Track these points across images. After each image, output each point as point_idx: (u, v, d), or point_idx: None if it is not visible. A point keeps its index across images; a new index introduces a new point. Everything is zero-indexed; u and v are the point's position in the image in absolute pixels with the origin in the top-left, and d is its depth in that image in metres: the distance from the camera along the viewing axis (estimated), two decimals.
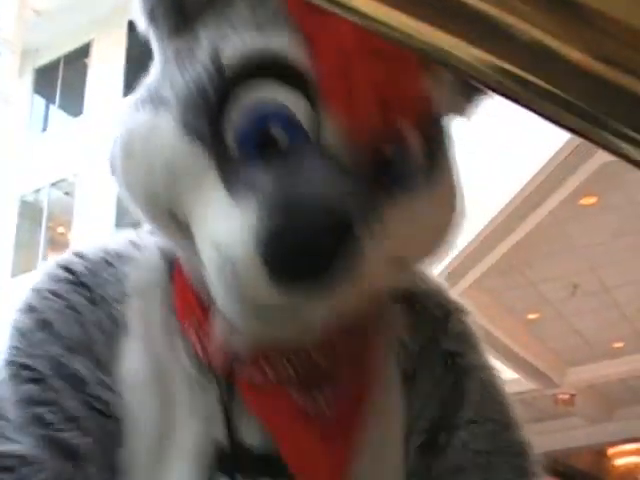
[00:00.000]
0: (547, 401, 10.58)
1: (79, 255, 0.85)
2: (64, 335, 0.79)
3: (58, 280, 0.83)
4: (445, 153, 0.79)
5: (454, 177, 0.81)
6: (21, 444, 0.74)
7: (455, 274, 6.80)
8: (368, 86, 0.67)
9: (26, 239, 18.54)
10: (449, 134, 0.81)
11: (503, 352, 8.62)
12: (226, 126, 0.68)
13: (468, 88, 0.80)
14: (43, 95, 20.42)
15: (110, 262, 0.84)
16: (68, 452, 0.75)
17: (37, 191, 18.51)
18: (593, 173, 5.25)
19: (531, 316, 8.29)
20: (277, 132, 0.68)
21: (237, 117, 0.68)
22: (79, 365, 0.78)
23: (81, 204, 17.69)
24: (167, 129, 0.70)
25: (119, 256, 0.85)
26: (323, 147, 0.67)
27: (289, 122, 0.68)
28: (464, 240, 6.29)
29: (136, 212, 0.78)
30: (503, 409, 0.90)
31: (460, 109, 0.83)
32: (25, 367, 0.77)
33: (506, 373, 9.39)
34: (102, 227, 16.49)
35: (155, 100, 0.73)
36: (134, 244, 0.87)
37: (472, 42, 0.35)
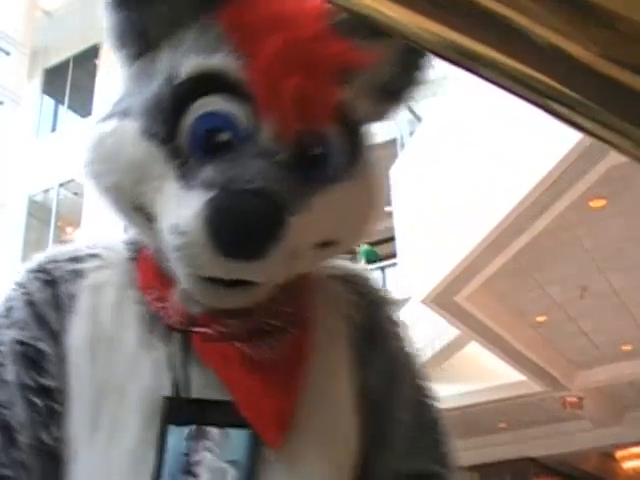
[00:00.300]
0: (555, 404, 10.55)
1: (52, 250, 1.03)
2: (18, 318, 0.95)
3: (27, 272, 0.99)
4: (365, 154, 0.94)
5: (374, 175, 0.95)
6: None
7: (463, 277, 6.80)
8: (293, 95, 0.82)
9: (35, 238, 18.58)
10: (369, 137, 0.96)
11: (511, 354, 8.61)
12: (180, 131, 0.84)
13: (385, 98, 0.97)
14: (52, 96, 20.47)
15: (72, 250, 1.01)
16: (6, 428, 0.91)
17: (46, 191, 18.56)
18: (602, 176, 5.23)
19: (539, 319, 8.26)
20: (221, 134, 0.84)
21: (189, 123, 0.84)
22: (30, 340, 0.93)
23: (89, 204, 17.71)
24: (131, 134, 0.86)
25: (86, 246, 1.02)
26: (259, 145, 0.83)
27: (231, 125, 0.84)
28: (472, 242, 6.28)
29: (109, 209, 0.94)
30: (424, 388, 1.08)
31: (378, 116, 0.99)
32: None
33: (514, 375, 9.37)
34: (110, 227, 16.53)
35: (121, 112, 0.89)
36: (104, 238, 1.05)
37: (481, 40, 0.34)
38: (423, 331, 8.74)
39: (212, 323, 0.91)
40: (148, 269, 0.97)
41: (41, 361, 0.93)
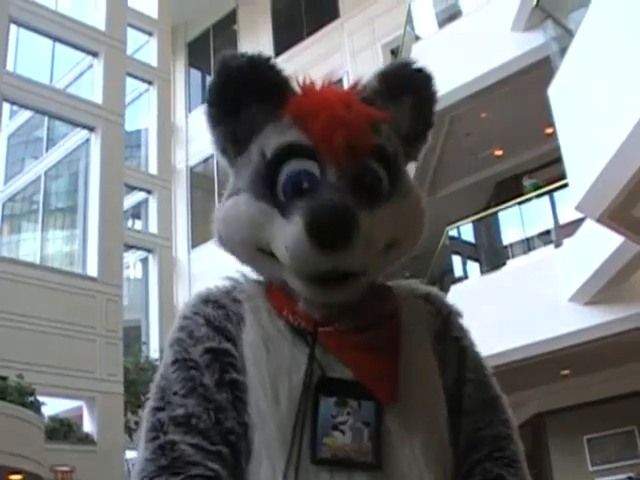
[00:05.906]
0: None
1: (210, 288, 1.41)
2: (201, 334, 1.31)
3: (193, 305, 1.37)
4: (403, 177, 1.38)
5: (414, 191, 1.40)
6: (186, 407, 1.25)
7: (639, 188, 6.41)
8: (345, 148, 1.25)
9: (201, 209, 19.23)
10: (404, 167, 1.41)
11: None
12: (277, 188, 1.27)
13: (409, 143, 1.43)
14: (198, 68, 20.97)
15: (229, 287, 1.41)
16: (218, 408, 1.25)
17: (205, 161, 19.12)
18: None
19: None
20: (303, 183, 1.26)
21: (281, 182, 1.27)
22: (216, 346, 1.29)
23: None
24: (244, 200, 1.31)
25: (233, 286, 1.41)
26: (329, 185, 1.25)
27: (307, 177, 1.26)
28: None
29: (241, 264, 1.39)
30: (485, 371, 1.44)
31: (408, 157, 1.46)
32: (187, 360, 1.29)
33: None
34: None
35: (235, 191, 1.35)
36: (243, 280, 1.43)
37: None
38: (600, 251, 8.38)
39: (329, 320, 1.29)
40: (278, 296, 1.36)
41: (229, 359, 1.28)
